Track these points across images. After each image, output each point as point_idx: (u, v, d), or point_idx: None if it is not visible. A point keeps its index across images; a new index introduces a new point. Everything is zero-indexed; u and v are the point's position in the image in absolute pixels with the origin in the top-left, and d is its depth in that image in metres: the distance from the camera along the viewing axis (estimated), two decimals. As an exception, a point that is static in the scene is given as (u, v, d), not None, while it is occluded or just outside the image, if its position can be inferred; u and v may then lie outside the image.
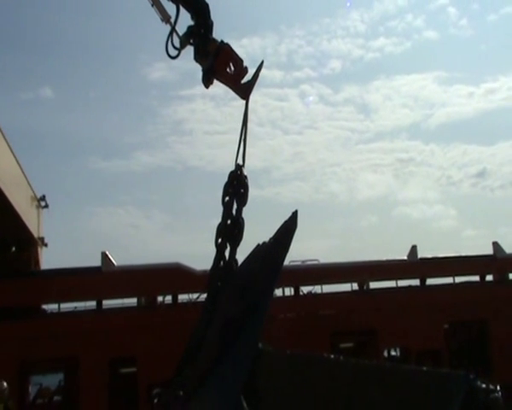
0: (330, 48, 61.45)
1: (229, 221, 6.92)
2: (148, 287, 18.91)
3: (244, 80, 7.08)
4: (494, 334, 20.26)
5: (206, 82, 7.17)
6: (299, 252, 20.47)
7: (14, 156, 17.36)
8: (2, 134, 15.59)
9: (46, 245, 22.10)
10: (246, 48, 63.19)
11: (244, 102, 7.02)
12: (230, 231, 6.84)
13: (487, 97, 67.36)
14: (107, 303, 19.11)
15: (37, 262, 21.05)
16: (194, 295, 18.86)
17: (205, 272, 18.43)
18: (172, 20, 6.95)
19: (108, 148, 63.90)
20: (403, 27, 67.71)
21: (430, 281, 21.70)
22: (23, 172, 18.73)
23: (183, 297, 19.44)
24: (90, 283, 18.58)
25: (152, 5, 6.95)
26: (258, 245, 7.14)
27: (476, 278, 22.12)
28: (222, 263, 6.92)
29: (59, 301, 18.66)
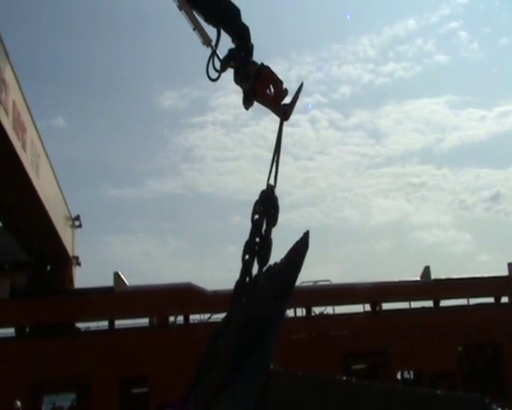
0: (340, 73, 61.88)
1: (257, 239, 6.92)
2: (159, 307, 18.87)
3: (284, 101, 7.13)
4: (508, 356, 19.90)
5: (247, 104, 7.28)
6: (310, 276, 20.37)
7: (55, 177, 17.64)
8: (46, 155, 15.85)
9: (80, 264, 22.32)
10: None
11: (275, 122, 7.06)
12: (259, 248, 6.84)
13: (500, 120, 67.15)
14: (120, 323, 19.10)
15: (71, 281, 21.24)
16: (206, 316, 18.81)
17: (215, 292, 18.71)
18: (213, 43, 7.05)
19: (120, 175, 64.71)
20: (413, 52, 67.99)
21: (444, 302, 21.38)
22: (61, 192, 19.00)
23: (194, 317, 19.39)
24: (103, 302, 18.59)
25: (194, 29, 7.10)
26: (270, 266, 7.10)
27: (491, 300, 21.76)
28: (248, 280, 6.91)
29: (78, 320, 18.71)
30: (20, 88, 12.12)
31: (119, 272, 19.08)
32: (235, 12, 7.22)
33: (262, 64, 7.14)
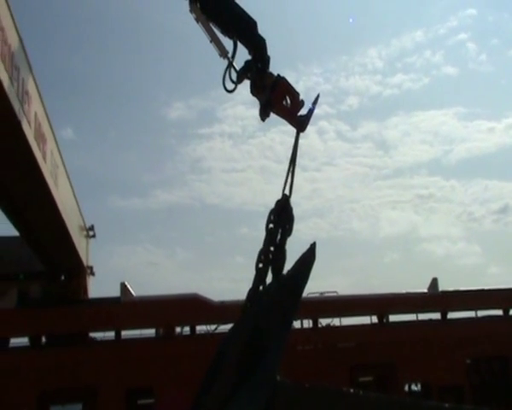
0: (348, 85, 62.05)
1: (272, 248, 6.99)
2: (166, 317, 18.89)
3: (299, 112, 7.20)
4: (517, 370, 19.76)
5: (263, 115, 7.38)
6: (317, 287, 20.35)
7: (71, 186, 17.87)
8: (64, 165, 16.16)
9: (94, 274, 22.50)
10: None
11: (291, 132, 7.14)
12: (273, 258, 6.91)
13: (508, 132, 67.02)
14: (126, 333, 19.12)
15: (85, 291, 21.41)
16: (212, 327, 18.82)
17: (222, 303, 18.71)
18: (230, 54, 7.15)
19: (127, 187, 65.16)
20: (421, 63, 68.09)
21: (452, 315, 21.28)
22: (77, 202, 19.22)
23: (200, 328, 19.38)
24: (109, 313, 18.63)
25: (210, 41, 7.20)
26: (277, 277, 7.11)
27: (499, 312, 21.66)
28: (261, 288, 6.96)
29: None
30: (42, 99, 12.32)
31: (126, 283, 19.13)
32: (252, 24, 7.33)
33: (278, 75, 7.22)
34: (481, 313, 21.34)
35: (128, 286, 19.07)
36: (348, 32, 68.80)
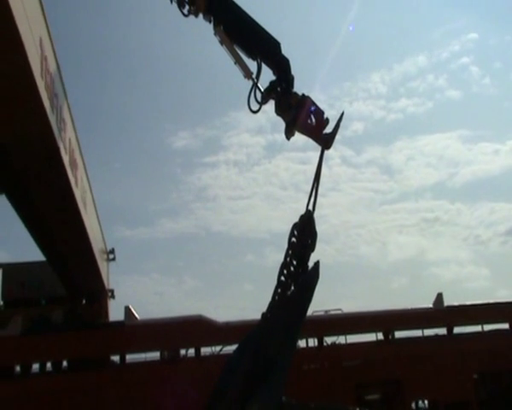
0: (352, 110, 62.46)
1: (294, 262, 7.18)
2: (170, 340, 19.06)
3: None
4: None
5: (289, 134, 7.59)
6: (322, 306, 20.53)
7: (96, 210, 18.27)
8: (90, 190, 16.68)
9: (114, 297, 22.81)
10: (268, 113, 64.68)
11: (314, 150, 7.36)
12: (295, 271, 7.10)
13: None
14: (130, 357, 19.29)
15: (106, 314, 21.69)
16: (217, 348, 18.99)
17: (227, 324, 18.89)
18: (254, 75, 7.34)
19: (133, 216, 65.52)
20: (424, 88, 68.80)
21: (457, 329, 21.39)
22: (100, 225, 19.62)
23: (205, 350, 19.53)
24: (113, 336, 18.82)
25: (235, 63, 7.41)
26: (280, 298, 7.30)
27: (505, 326, 21.76)
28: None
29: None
30: (74, 126, 12.76)
31: (130, 306, 19.36)
32: (276, 45, 7.55)
33: (303, 95, 7.40)
34: (487, 328, 21.37)
35: (132, 309, 19.30)
36: (351, 57, 69.55)
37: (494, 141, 73.77)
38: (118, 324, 19.26)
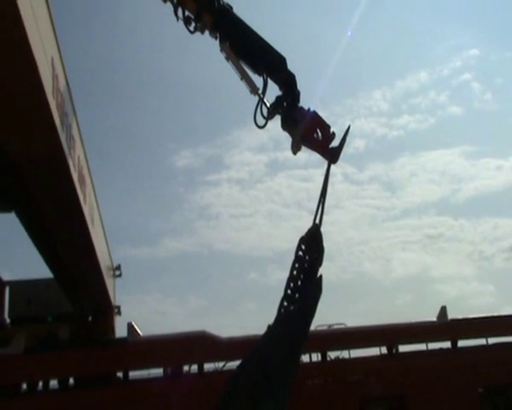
0: (353, 127, 62.89)
1: (301, 276, 7.20)
2: (173, 356, 19.06)
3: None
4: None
5: (295, 149, 7.65)
6: (325, 320, 20.53)
7: (103, 226, 18.45)
8: (97, 205, 16.89)
9: (120, 314, 22.88)
10: (270, 131, 65.20)
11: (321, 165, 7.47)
12: (301, 285, 7.11)
13: None
14: (133, 374, 19.28)
15: (112, 331, 21.75)
16: (221, 364, 18.98)
17: (230, 339, 18.90)
18: (260, 91, 7.42)
19: (136, 235, 65.89)
20: (426, 104, 69.30)
21: (462, 343, 21.35)
22: (106, 242, 19.77)
23: (209, 366, 19.53)
24: (116, 353, 18.84)
25: (241, 79, 7.50)
26: (281, 313, 7.34)
27: (511, 339, 21.71)
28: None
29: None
30: (83, 143, 12.95)
31: (133, 322, 19.40)
32: (282, 61, 7.65)
33: (309, 109, 7.47)
34: (492, 341, 21.33)
35: (135, 326, 19.33)
36: (352, 75, 70.07)
37: (497, 156, 74.12)
38: (120, 340, 19.28)
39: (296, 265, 7.26)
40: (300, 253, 7.33)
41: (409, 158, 73.96)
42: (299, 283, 7.23)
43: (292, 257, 7.19)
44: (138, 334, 19.55)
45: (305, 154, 7.71)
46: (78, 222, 13.46)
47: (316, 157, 7.89)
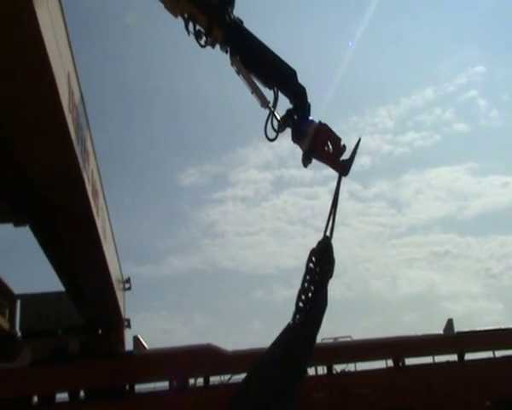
0: (359, 145, 63.07)
1: (312, 287, 7.18)
2: (179, 369, 19.12)
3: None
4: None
5: (306, 162, 7.66)
6: (331, 333, 20.59)
7: (114, 239, 18.60)
8: (109, 219, 17.13)
9: (130, 327, 22.97)
10: (275, 149, 65.96)
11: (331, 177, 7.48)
12: (314, 298, 7.12)
13: None
14: (139, 387, 19.38)
15: (122, 344, 21.85)
16: (226, 377, 19.04)
17: (235, 352, 18.94)
18: (271, 104, 7.51)
19: (141, 253, 66.25)
20: (432, 121, 69.42)
21: (468, 356, 21.30)
22: (117, 255, 19.89)
23: (214, 379, 19.58)
24: (122, 366, 18.93)
25: (252, 92, 7.59)
26: (289, 324, 7.38)
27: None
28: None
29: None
30: (96, 156, 13.13)
31: (139, 336, 19.56)
32: (292, 73, 7.69)
33: (320, 122, 7.52)
34: (499, 354, 21.27)
35: (141, 339, 19.45)
36: (357, 92, 70.34)
37: (503, 173, 73.82)
38: (127, 353, 19.38)
39: (307, 277, 7.29)
40: (311, 265, 7.35)
41: (414, 175, 74.06)
42: (310, 295, 7.25)
43: (297, 275, 7.20)
44: (144, 347, 19.65)
45: (311, 171, 7.83)
46: (91, 235, 13.63)
47: (321, 175, 7.95)
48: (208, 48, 7.65)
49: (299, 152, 7.63)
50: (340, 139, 7.51)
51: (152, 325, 58.05)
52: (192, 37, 7.57)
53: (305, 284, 7.29)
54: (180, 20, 7.57)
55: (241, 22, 7.63)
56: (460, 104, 68.73)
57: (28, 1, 6.58)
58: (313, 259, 7.35)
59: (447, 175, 70.29)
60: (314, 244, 7.44)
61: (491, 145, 67.77)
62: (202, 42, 7.56)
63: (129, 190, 70.43)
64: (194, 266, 67.04)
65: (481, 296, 61.63)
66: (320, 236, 7.51)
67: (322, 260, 7.32)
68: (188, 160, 73.89)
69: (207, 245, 68.85)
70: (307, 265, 7.33)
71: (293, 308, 7.31)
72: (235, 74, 7.73)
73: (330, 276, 7.28)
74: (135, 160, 69.10)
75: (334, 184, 7.62)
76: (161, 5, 7.55)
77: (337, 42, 67.41)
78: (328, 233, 7.45)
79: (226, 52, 7.68)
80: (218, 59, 7.78)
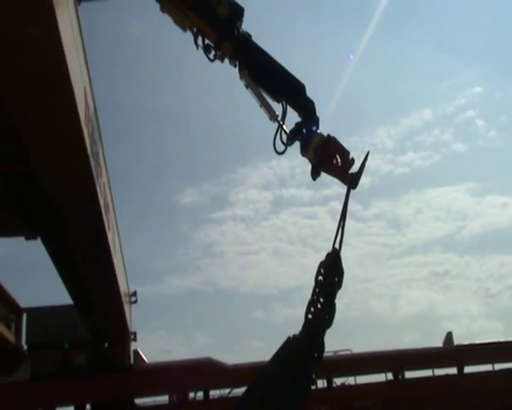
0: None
1: (321, 299, 7.26)
2: (179, 383, 19.17)
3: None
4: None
5: (315, 175, 7.77)
6: (331, 346, 20.59)
7: (122, 253, 18.72)
8: (118, 232, 17.28)
9: (136, 340, 23.02)
10: (275, 168, 66.27)
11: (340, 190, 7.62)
12: (322, 310, 7.20)
13: None
14: (139, 401, 19.42)
15: (128, 357, 21.93)
16: (226, 391, 19.10)
17: (236, 366, 19.01)
18: (279, 117, 7.63)
19: (140, 273, 66.47)
20: (431, 141, 70.32)
21: (468, 369, 21.38)
22: (125, 268, 19.98)
23: (214, 393, 19.63)
24: (122, 380, 18.97)
25: (260, 106, 7.73)
26: (289, 338, 7.46)
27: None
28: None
29: None
30: (107, 170, 13.28)
31: (139, 349, 19.66)
32: (301, 88, 7.85)
33: (328, 135, 7.64)
34: (498, 366, 21.37)
35: (141, 353, 19.54)
36: (357, 112, 70.96)
37: (502, 193, 74.66)
38: (127, 368, 19.42)
39: (316, 290, 7.39)
40: (320, 277, 7.45)
41: (414, 195, 74.81)
42: (319, 306, 7.33)
43: (297, 294, 7.33)
44: (144, 361, 19.71)
45: (310, 191, 7.94)
46: (102, 248, 13.86)
47: (320, 195, 8.06)
48: (216, 63, 7.77)
49: (298, 172, 7.77)
50: (348, 152, 7.60)
51: (152, 346, 58.00)
52: (201, 51, 7.71)
53: (315, 297, 7.37)
54: (189, 34, 7.69)
55: (250, 36, 7.79)
56: (458, 125, 69.41)
57: (52, 15, 6.95)
58: (322, 271, 7.44)
59: (446, 195, 70.85)
60: (314, 264, 7.58)
61: (489, 165, 68.47)
62: (211, 56, 7.72)
63: (127, 210, 70.64)
64: (193, 286, 67.18)
65: (481, 316, 61.88)
66: (320, 255, 7.63)
67: (331, 272, 7.41)
68: (187, 180, 74.23)
69: (207, 265, 69.06)
70: (316, 277, 7.42)
71: (293, 328, 7.38)
72: (238, 90, 7.86)
73: (339, 287, 7.37)
74: (133, 180, 69.31)
75: (334, 203, 7.79)
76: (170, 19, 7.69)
77: (335, 63, 67.97)
78: (336, 246, 7.56)
79: (235, 66, 7.83)
80: (218, 79, 7.95)
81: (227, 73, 7.98)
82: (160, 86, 64.71)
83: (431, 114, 70.08)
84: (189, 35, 7.75)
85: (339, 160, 7.55)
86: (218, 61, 7.82)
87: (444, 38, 67.58)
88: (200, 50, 7.75)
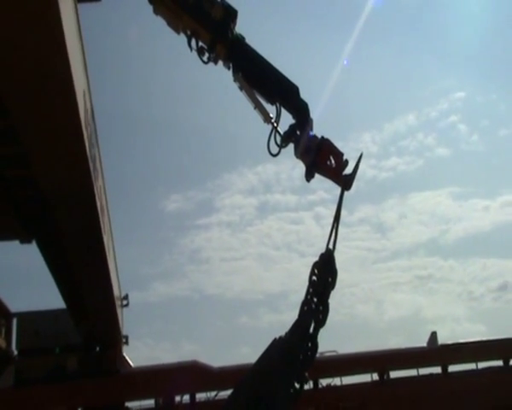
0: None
1: (315, 299, 7.32)
2: (165, 386, 19.17)
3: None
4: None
5: (309, 176, 7.85)
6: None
7: (114, 255, 18.65)
8: (111, 233, 17.25)
9: (128, 344, 22.88)
10: (260, 174, 66.73)
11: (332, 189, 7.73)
12: (316, 310, 7.27)
13: (504, 210, 69.62)
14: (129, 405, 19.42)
15: (121, 361, 21.78)
16: (212, 393, 19.12)
17: (222, 369, 19.05)
18: (273, 119, 7.68)
19: (125, 280, 66.03)
20: (414, 146, 71.41)
21: (452, 368, 21.65)
22: (117, 271, 19.90)
23: (200, 396, 19.64)
24: (108, 384, 18.93)
25: (254, 108, 7.78)
26: (275, 339, 7.52)
27: (500, 363, 22.03)
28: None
29: None
30: (103, 174, 13.32)
31: (124, 354, 19.53)
32: (294, 89, 7.87)
33: (322, 137, 7.72)
34: (481, 365, 21.69)
35: (126, 357, 19.50)
36: (342, 118, 71.57)
37: (484, 197, 76.13)
38: (112, 372, 19.36)
39: (310, 290, 7.46)
40: (314, 277, 7.52)
41: (398, 199, 75.82)
42: (314, 306, 7.40)
43: (282, 300, 7.40)
44: (129, 365, 19.68)
45: (295, 196, 8.00)
46: (97, 251, 13.88)
47: (305, 200, 8.11)
48: (208, 66, 7.81)
49: (283, 178, 7.86)
50: (342, 154, 7.70)
51: (138, 353, 57.82)
52: (194, 53, 7.77)
53: (308, 296, 7.45)
54: (182, 37, 7.72)
55: (243, 38, 7.85)
56: (441, 129, 70.46)
57: (56, 16, 6.96)
58: (316, 271, 7.52)
59: (430, 199, 71.92)
60: (299, 269, 7.67)
61: (471, 169, 69.70)
62: (205, 58, 7.78)
63: (112, 216, 70.48)
64: (179, 292, 67.09)
65: (465, 319, 62.78)
66: (305, 260, 7.71)
67: (324, 272, 7.49)
68: (172, 186, 74.28)
69: (193, 271, 69.05)
70: (310, 277, 7.51)
71: (279, 333, 7.44)
72: (224, 97, 7.94)
73: (332, 287, 7.46)
74: (118, 186, 69.10)
75: (319, 209, 7.90)
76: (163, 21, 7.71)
77: (321, 68, 68.49)
78: (330, 246, 7.64)
79: (229, 68, 7.89)
80: (203, 85, 7.99)
81: (212, 79, 8.03)
82: (146, 91, 64.66)
83: (414, 119, 70.98)
84: (182, 37, 7.81)
85: (333, 161, 7.64)
86: (210, 64, 7.90)
87: (428, 45, 68.55)
88: (194, 53, 7.82)
